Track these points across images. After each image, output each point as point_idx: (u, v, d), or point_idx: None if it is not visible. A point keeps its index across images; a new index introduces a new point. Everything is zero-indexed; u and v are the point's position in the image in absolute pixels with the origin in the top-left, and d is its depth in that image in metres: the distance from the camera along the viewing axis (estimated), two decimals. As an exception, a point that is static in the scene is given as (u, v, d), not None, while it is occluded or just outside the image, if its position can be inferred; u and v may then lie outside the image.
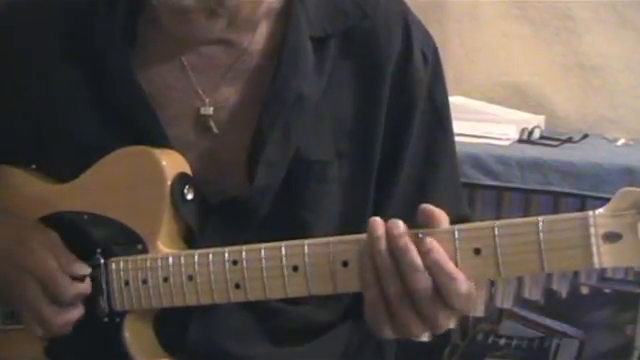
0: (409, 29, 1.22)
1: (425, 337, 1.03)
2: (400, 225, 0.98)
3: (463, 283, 0.97)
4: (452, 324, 1.01)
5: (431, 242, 0.97)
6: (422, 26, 1.26)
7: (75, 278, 1.14)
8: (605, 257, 0.91)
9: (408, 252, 0.97)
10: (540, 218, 0.94)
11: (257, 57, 1.18)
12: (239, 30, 1.16)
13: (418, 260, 0.97)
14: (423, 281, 0.96)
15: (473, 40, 2.78)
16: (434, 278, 0.96)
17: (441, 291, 0.97)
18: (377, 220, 1.00)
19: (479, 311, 2.49)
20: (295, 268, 1.04)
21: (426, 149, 1.24)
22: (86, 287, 1.14)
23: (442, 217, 0.99)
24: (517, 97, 2.73)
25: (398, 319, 1.00)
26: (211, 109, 1.18)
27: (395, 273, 0.97)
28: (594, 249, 0.91)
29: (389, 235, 0.98)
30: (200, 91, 1.18)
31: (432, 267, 0.96)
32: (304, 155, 1.17)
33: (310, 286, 1.04)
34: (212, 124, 1.18)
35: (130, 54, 1.18)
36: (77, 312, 1.15)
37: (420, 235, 0.98)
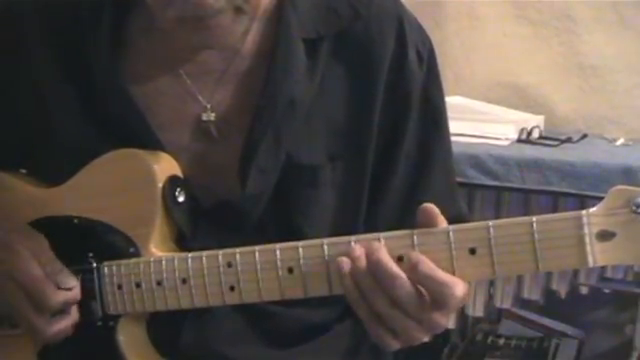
0: (403, 29, 1.20)
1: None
2: (375, 243, 0.99)
3: (458, 286, 0.96)
4: (450, 321, 1.01)
5: (416, 255, 0.97)
6: (417, 24, 1.25)
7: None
8: (599, 255, 0.92)
9: (382, 263, 0.97)
10: (534, 218, 0.94)
11: (249, 59, 1.17)
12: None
13: (394, 268, 0.97)
14: (403, 287, 0.96)
15: (472, 40, 2.78)
16: (428, 289, 0.96)
17: (438, 298, 0.97)
18: (355, 244, 1.00)
19: (478, 311, 2.49)
20: (290, 270, 1.04)
21: (420, 149, 1.23)
22: (73, 295, 1.12)
23: (442, 218, 0.99)
24: (516, 97, 2.73)
25: (396, 329, 0.99)
26: (213, 115, 1.16)
27: (376, 287, 0.98)
28: (588, 248, 0.92)
29: (367, 254, 0.98)
30: (200, 97, 1.17)
31: (423, 280, 0.96)
32: (296, 160, 1.16)
33: (306, 287, 1.04)
34: (213, 130, 1.17)
35: (117, 60, 1.17)
36: (68, 320, 1.13)
37: (414, 236, 0.98)
